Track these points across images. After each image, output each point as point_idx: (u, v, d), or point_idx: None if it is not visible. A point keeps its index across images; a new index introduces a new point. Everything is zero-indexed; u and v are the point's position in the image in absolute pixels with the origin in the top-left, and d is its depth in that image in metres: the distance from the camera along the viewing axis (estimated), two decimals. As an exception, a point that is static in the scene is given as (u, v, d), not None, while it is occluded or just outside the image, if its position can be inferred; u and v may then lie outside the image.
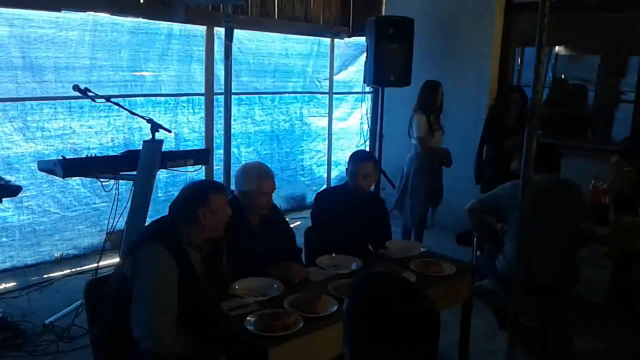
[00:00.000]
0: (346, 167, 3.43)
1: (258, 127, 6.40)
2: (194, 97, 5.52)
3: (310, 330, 2.29)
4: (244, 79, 6.03)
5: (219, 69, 5.29)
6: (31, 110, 4.51)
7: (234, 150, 5.93)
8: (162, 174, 5.32)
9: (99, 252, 4.04)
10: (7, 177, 3.74)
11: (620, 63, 5.57)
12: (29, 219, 4.63)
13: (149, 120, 3.52)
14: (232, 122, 5.96)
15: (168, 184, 5.48)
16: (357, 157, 3.39)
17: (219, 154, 5.50)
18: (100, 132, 4.92)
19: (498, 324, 3.84)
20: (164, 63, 5.25)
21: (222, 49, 4.73)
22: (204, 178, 5.40)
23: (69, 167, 3.40)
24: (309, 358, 2.34)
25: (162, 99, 5.31)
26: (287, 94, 6.59)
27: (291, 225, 3.30)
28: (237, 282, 2.65)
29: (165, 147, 3.83)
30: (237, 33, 5.53)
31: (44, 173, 3.83)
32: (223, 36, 4.62)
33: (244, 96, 6.13)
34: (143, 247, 2.31)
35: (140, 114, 3.78)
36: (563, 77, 6.14)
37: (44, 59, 4.48)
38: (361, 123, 7.00)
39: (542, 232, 3.21)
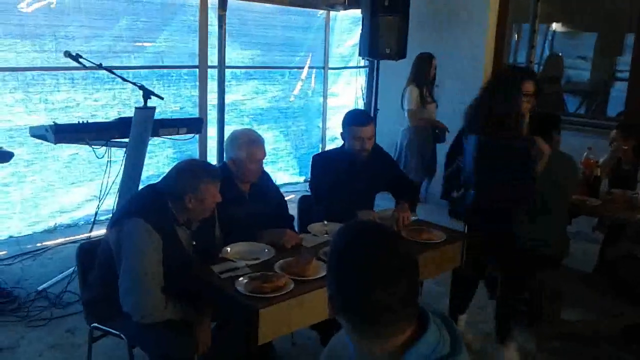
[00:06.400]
0: (341, 131, 3.23)
1: (270, 104, 6.33)
2: (196, 69, 5.41)
3: (301, 293, 2.30)
4: (247, 52, 5.95)
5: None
6: (32, 81, 4.41)
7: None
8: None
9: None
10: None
11: (617, 41, 5.56)
12: (32, 193, 4.60)
13: (141, 87, 3.50)
14: (242, 98, 5.94)
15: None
16: (357, 122, 3.15)
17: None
18: (107, 106, 4.82)
19: (488, 294, 3.87)
20: (164, 34, 5.16)
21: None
22: (197, 158, 5.39)
23: (60, 132, 3.38)
24: (298, 319, 2.36)
25: (165, 70, 5.22)
26: (284, 69, 6.50)
27: (285, 198, 3.28)
28: (228, 246, 2.66)
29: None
30: (234, 4, 5.48)
31: (38, 140, 3.80)
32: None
33: (252, 70, 6.05)
34: (127, 220, 2.30)
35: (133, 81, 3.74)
36: (560, 54, 6.12)
37: (43, 27, 4.36)
38: (356, 97, 6.98)
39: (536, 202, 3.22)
